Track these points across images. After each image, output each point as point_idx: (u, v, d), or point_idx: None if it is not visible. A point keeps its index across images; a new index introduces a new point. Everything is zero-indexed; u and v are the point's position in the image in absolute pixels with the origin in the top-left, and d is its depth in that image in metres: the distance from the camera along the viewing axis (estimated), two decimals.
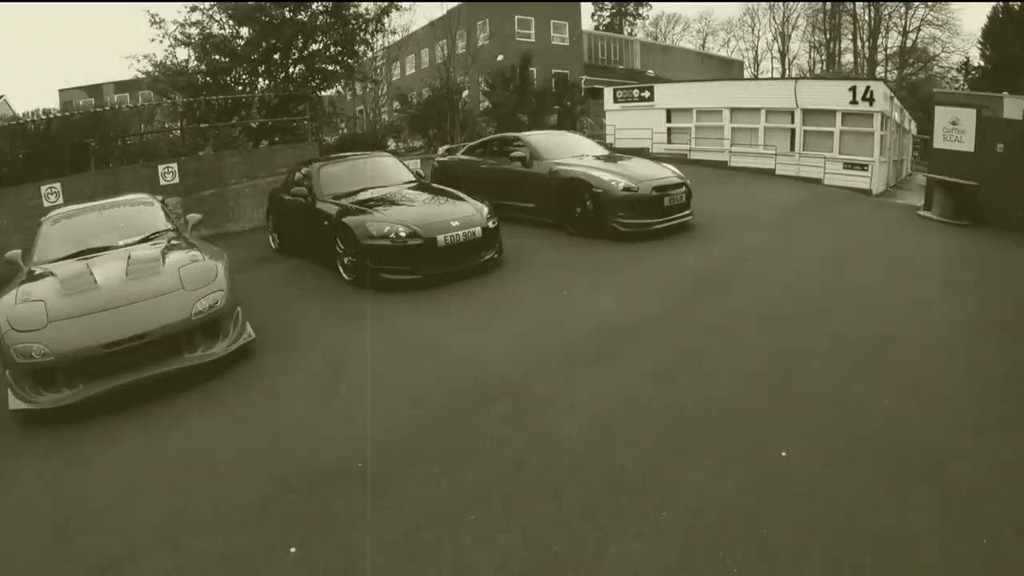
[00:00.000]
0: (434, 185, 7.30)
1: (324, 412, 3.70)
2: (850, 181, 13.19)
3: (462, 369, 4.04)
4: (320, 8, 12.29)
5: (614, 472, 2.77)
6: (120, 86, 31.84)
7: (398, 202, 6.48)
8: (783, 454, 2.85)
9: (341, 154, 8.78)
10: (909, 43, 36.46)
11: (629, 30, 43.02)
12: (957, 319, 4.74)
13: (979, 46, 30.81)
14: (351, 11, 12.43)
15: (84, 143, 11.63)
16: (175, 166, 11.18)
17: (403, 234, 5.78)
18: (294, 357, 4.63)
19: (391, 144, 14.59)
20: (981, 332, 4.47)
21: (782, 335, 4.33)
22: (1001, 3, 28.04)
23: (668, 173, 7.69)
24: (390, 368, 4.19)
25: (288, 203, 7.63)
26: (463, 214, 6.13)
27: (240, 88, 12.46)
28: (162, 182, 11.08)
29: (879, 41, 36.91)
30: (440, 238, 5.82)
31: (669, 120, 17.12)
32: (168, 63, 12.76)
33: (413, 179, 7.51)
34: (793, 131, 14.75)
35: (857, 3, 36.29)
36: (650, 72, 29.22)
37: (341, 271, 6.36)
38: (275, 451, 3.26)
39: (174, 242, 5.46)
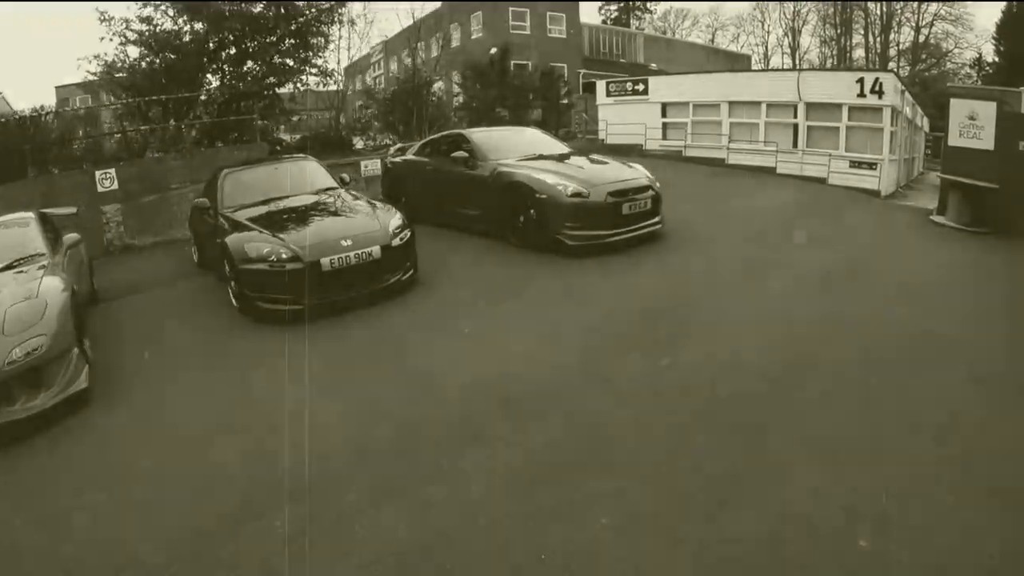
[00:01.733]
0: (353, 194, 6.33)
1: (83, 513, 2.81)
2: (857, 181, 11.96)
3: (269, 457, 3.03)
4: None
5: None
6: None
7: (297, 216, 5.56)
8: None
9: (259, 159, 7.86)
10: (921, 39, 34.81)
11: (636, 24, 41.67)
12: (992, 391, 3.33)
13: (993, 42, 29.61)
14: (301, 2, 11.52)
15: (22, 149, 10.88)
16: (113, 171, 10.37)
17: (284, 256, 4.87)
18: (113, 417, 3.79)
19: (358, 142, 13.69)
20: None
21: (731, 417, 3.08)
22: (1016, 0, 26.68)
23: (632, 175, 6.60)
24: (194, 447, 3.28)
25: (201, 214, 6.75)
26: (361, 230, 5.18)
27: (190, 86, 11.56)
28: (100, 188, 10.31)
29: (891, 37, 35.26)
30: (325, 261, 4.88)
31: (664, 115, 15.95)
32: (118, 63, 11.93)
33: (333, 186, 6.54)
34: (796, 126, 13.54)
35: (869, 1, 34.73)
36: (653, 66, 27.95)
37: (231, 296, 5.43)
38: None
39: (29, 271, 4.82)
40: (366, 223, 5.32)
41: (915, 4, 33.88)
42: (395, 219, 5.46)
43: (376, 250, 5.06)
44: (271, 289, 4.93)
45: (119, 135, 11.59)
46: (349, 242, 5.01)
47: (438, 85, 15.64)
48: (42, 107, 11.92)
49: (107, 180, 10.35)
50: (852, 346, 3.96)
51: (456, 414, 3.31)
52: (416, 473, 2.76)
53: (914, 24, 34.80)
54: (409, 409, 3.41)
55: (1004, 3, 28.32)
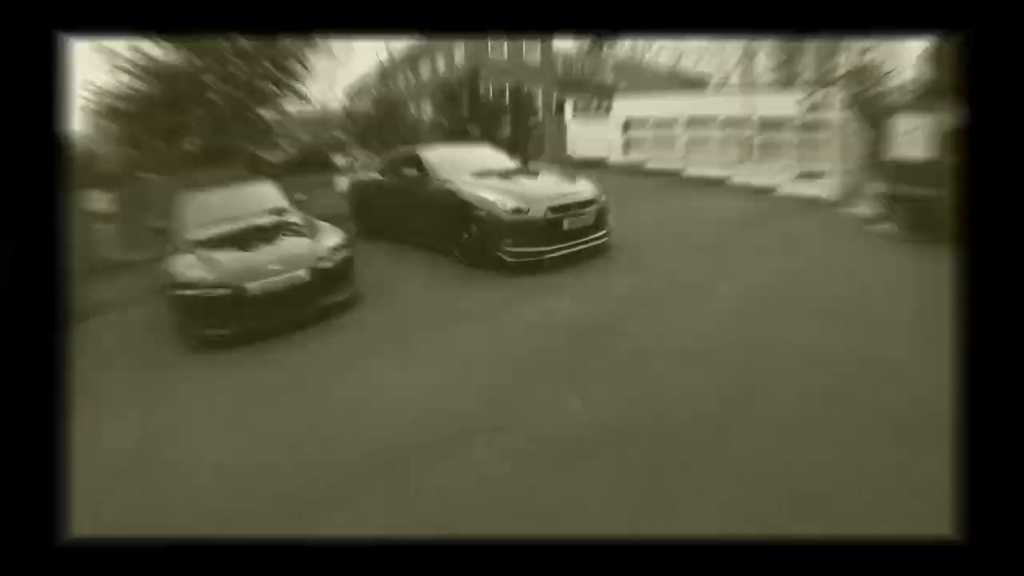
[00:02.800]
0: (301, 215, 6.56)
1: None
2: (807, 190, 12.57)
3: (139, 523, 3.01)
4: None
5: None
6: None
7: (236, 239, 5.67)
8: None
9: (221, 182, 8.21)
10: (863, 62, 36.38)
11: (607, 50, 42.94)
12: None
13: (924, 63, 30.80)
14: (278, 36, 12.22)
15: None
16: (107, 194, 10.83)
17: (212, 281, 4.93)
18: None
19: (340, 161, 14.24)
20: None
21: (640, 486, 2.77)
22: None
23: (576, 189, 6.81)
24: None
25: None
26: (293, 252, 5.25)
27: (179, 111, 12.16)
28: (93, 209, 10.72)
29: (837, 59, 36.95)
30: (252, 286, 4.91)
31: (627, 131, 16.64)
32: (110, 91, 12.53)
33: (284, 207, 6.80)
34: (750, 140, 14.19)
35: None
36: (622, 86, 28.91)
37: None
38: None
39: None
40: (300, 245, 5.36)
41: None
42: (332, 239, 5.49)
43: (304, 273, 5.06)
44: (201, 315, 4.91)
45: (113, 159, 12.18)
46: (277, 265, 4.99)
47: (423, 106, 16.25)
48: None
49: (100, 202, 10.80)
50: (789, 386, 3.60)
51: (334, 472, 3.17)
52: None
53: (856, 49, 36.45)
54: (285, 466, 3.30)
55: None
